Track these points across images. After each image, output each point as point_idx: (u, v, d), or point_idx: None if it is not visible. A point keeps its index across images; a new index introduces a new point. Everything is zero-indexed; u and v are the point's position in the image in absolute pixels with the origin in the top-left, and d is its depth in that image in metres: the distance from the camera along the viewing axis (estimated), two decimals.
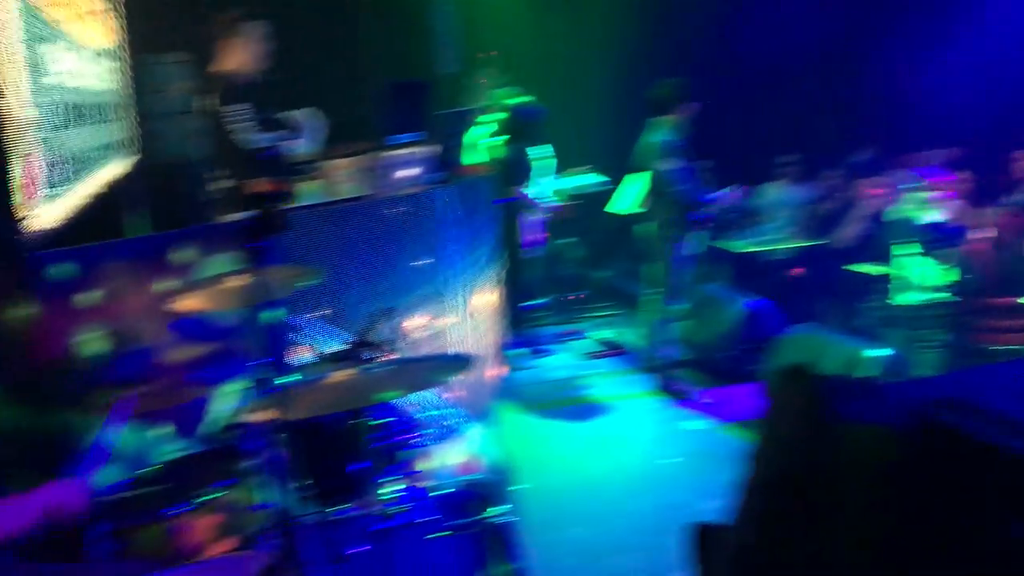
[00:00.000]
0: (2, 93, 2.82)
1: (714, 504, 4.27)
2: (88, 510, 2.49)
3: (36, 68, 3.46)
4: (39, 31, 3.54)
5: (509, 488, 4.60)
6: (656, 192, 5.79)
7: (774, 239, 7.21)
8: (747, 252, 7.01)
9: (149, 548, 2.55)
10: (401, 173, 4.24)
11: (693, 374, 6.23)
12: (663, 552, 3.96)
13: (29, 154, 3.04)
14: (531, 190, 6.59)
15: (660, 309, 5.93)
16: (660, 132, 5.77)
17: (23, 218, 2.87)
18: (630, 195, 7.23)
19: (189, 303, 2.94)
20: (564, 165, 7.49)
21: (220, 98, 4.69)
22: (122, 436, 3.16)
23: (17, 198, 2.83)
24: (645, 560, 3.93)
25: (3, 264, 2.78)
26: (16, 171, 2.86)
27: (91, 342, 3.06)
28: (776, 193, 7.68)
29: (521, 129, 6.55)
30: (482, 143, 6.74)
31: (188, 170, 6.37)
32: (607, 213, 8.24)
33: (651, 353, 6.10)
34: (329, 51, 8.14)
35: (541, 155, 6.82)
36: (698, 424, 5.48)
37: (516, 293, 6.80)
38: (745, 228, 7.06)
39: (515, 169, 6.45)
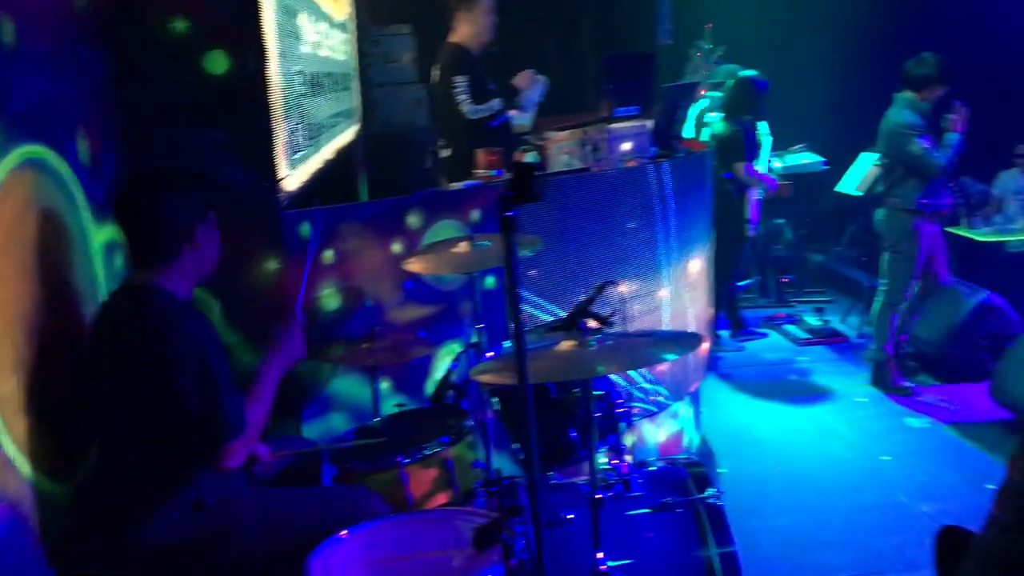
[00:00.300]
0: (268, 59, 3.05)
1: (932, 507, 4.09)
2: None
3: (294, 37, 3.72)
4: (294, 2, 3.80)
5: (715, 470, 4.55)
6: (899, 174, 5.42)
7: (1012, 229, 6.62)
8: (983, 241, 6.49)
9: (375, 494, 2.71)
10: (619, 147, 4.22)
11: (917, 369, 5.87)
12: (873, 553, 3.80)
13: (288, 119, 3.28)
14: (756, 166, 6.40)
15: (892, 298, 5.59)
16: (908, 110, 5.37)
17: (282, 179, 3.10)
18: (861, 175, 6.86)
19: (419, 265, 3.09)
20: (779, 143, 7.22)
21: (447, 69, 4.85)
22: (351, 387, 3.39)
23: (278, 160, 3.07)
24: (855, 559, 3.77)
25: (261, 221, 3.02)
26: (279, 134, 3.10)
27: (327, 298, 3.28)
28: (1013, 181, 7.04)
29: (747, 102, 6.34)
30: (702, 117, 6.60)
31: (412, 138, 6.66)
32: (821, 194, 7.88)
33: (873, 343, 5.75)
34: (549, 24, 8.23)
35: (763, 131, 6.60)
36: (919, 422, 5.16)
37: (729, 272, 6.64)
38: (985, 216, 6.53)
39: (739, 144, 6.26)
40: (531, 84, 5.07)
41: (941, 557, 1.66)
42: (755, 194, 6.44)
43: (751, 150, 6.32)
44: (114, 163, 2.97)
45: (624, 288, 3.82)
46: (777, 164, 7.17)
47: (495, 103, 4.72)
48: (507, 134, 4.96)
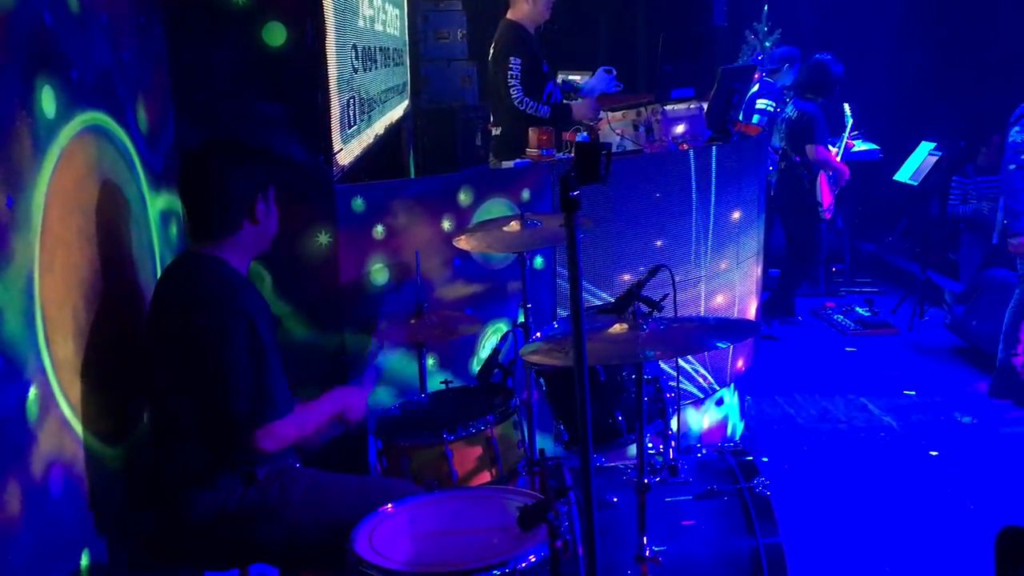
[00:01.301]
0: (326, 33, 3.04)
1: (980, 504, 4.00)
2: (366, 418, 2.70)
3: (351, 11, 3.71)
4: None
5: (762, 459, 4.50)
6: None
7: None
8: None
9: (419, 469, 2.72)
10: (673, 129, 4.17)
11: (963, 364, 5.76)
12: (919, 549, 3.74)
13: (342, 93, 3.28)
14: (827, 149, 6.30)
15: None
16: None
17: (336, 152, 3.11)
18: (918, 164, 6.72)
19: (469, 243, 3.08)
20: (835, 130, 7.09)
21: (504, 48, 4.81)
22: (397, 362, 3.40)
23: (333, 133, 3.07)
24: (900, 554, 3.71)
25: (314, 194, 3.03)
26: (334, 108, 3.10)
27: (377, 272, 3.28)
28: None
29: (821, 84, 6.24)
30: (760, 103, 6.50)
31: (461, 115, 6.65)
32: (876, 182, 7.73)
33: (1001, 351, 5.27)
34: (605, 4, 8.15)
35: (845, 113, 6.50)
36: (969, 418, 5.06)
37: (803, 257, 6.56)
38: None
39: (810, 126, 6.17)
40: (598, 77, 5.00)
41: (1002, 556, 1.62)
42: (829, 176, 6.35)
43: (822, 133, 6.22)
44: (171, 133, 3.00)
45: (675, 272, 3.77)
46: (833, 150, 7.05)
47: (543, 109, 4.64)
48: (560, 113, 4.92)
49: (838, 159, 6.65)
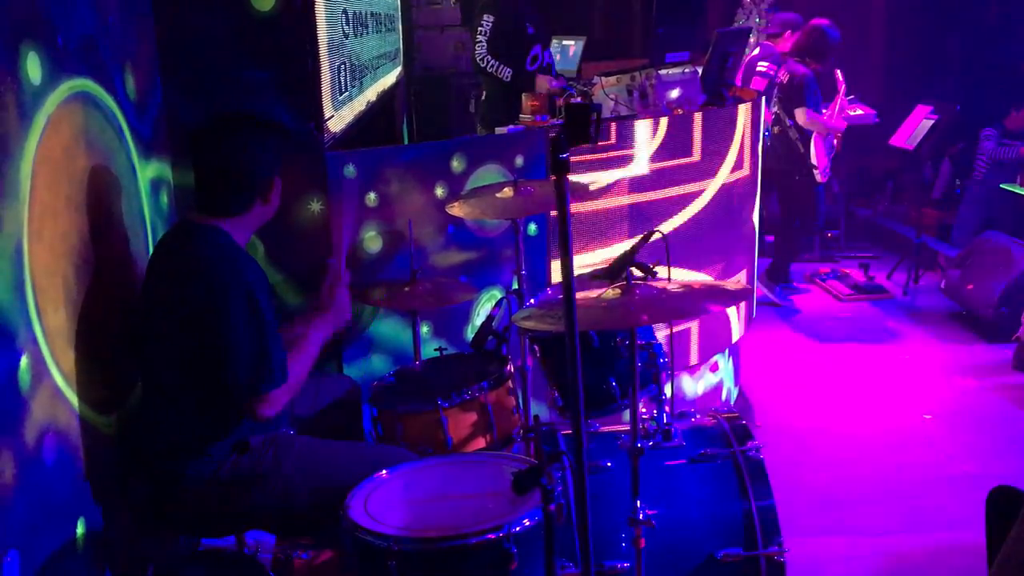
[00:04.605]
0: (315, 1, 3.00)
1: (974, 467, 4.03)
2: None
3: None
4: None
5: (754, 424, 4.52)
6: None
7: None
8: None
9: (414, 436, 2.73)
10: (668, 93, 4.13)
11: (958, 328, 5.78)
12: (913, 511, 3.77)
13: (333, 58, 3.24)
14: (835, 104, 6.26)
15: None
16: None
17: (327, 119, 3.08)
18: (916, 129, 6.68)
19: (462, 210, 3.07)
20: (829, 95, 7.04)
21: (483, 7, 4.74)
22: (391, 330, 3.39)
23: (324, 99, 3.04)
24: (894, 516, 3.74)
25: (305, 161, 3.01)
26: (325, 74, 3.06)
27: (370, 240, 3.27)
28: None
29: (817, 50, 6.19)
30: (761, 66, 6.44)
31: (454, 82, 6.58)
32: (871, 147, 7.69)
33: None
34: None
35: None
36: (962, 380, 5.08)
37: (797, 221, 6.54)
38: None
39: (801, 90, 6.12)
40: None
41: (992, 515, 1.63)
42: (823, 139, 6.30)
43: (813, 97, 6.17)
44: (160, 99, 2.96)
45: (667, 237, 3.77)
46: (825, 113, 7.01)
47: (505, 71, 4.56)
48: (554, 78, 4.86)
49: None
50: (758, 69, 6.45)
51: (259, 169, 2.39)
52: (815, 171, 6.26)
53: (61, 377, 2.08)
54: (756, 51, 6.61)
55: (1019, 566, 1.38)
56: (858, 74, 7.55)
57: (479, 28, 4.61)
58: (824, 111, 6.27)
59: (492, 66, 4.55)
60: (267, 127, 2.47)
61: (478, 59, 4.55)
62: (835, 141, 6.41)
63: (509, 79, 4.54)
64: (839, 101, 6.40)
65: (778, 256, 6.68)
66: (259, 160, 2.39)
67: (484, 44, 4.59)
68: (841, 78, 6.44)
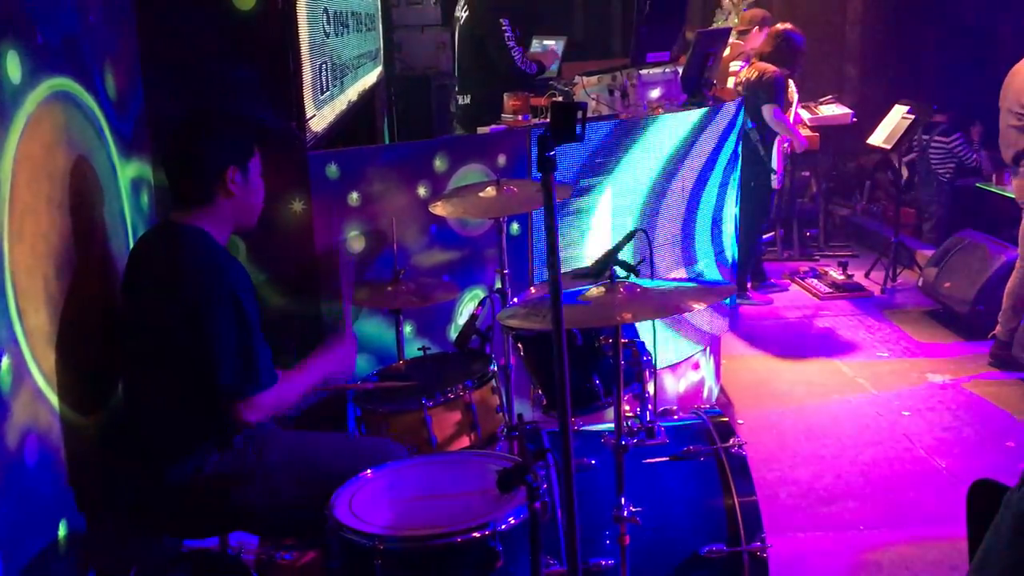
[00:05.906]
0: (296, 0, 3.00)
1: (952, 463, 4.08)
2: (350, 379, 2.69)
3: None
4: None
5: (736, 421, 4.55)
6: None
7: None
8: (1012, 197, 6.38)
9: (398, 435, 2.73)
10: (648, 93, 4.15)
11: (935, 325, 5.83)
12: (891, 506, 3.81)
13: (314, 57, 3.23)
14: (788, 116, 6.26)
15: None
16: None
17: (310, 117, 3.07)
18: (893, 128, 6.73)
19: (445, 209, 3.07)
20: (807, 95, 7.09)
21: (487, 10, 4.73)
22: (374, 329, 3.39)
23: (305, 99, 3.03)
24: (873, 511, 3.78)
25: (287, 160, 3.00)
26: (306, 73, 3.06)
27: (352, 240, 3.26)
28: None
29: (782, 56, 6.18)
30: (734, 65, 6.47)
31: (435, 82, 6.58)
32: (848, 147, 7.75)
33: (1000, 322, 5.19)
34: None
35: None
36: (941, 378, 5.13)
37: (755, 223, 6.57)
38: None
39: (769, 87, 6.12)
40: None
41: (973, 510, 1.66)
42: (783, 144, 6.31)
43: (780, 95, 6.15)
44: (141, 99, 2.94)
45: (651, 236, 3.79)
46: (805, 115, 7.05)
47: (533, 66, 4.57)
48: (531, 78, 4.88)
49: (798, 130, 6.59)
50: (731, 70, 6.46)
51: (208, 156, 2.37)
52: (772, 176, 6.24)
53: (42, 378, 2.06)
54: (727, 51, 6.61)
55: (999, 559, 1.40)
56: (835, 73, 7.62)
57: (504, 34, 4.56)
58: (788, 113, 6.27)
59: (527, 68, 4.56)
60: (227, 118, 2.47)
61: (518, 63, 4.53)
62: (787, 148, 6.39)
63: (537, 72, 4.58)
64: (793, 112, 6.37)
65: (747, 258, 6.68)
66: (209, 147, 2.38)
67: (518, 49, 4.58)
68: (795, 88, 6.41)
